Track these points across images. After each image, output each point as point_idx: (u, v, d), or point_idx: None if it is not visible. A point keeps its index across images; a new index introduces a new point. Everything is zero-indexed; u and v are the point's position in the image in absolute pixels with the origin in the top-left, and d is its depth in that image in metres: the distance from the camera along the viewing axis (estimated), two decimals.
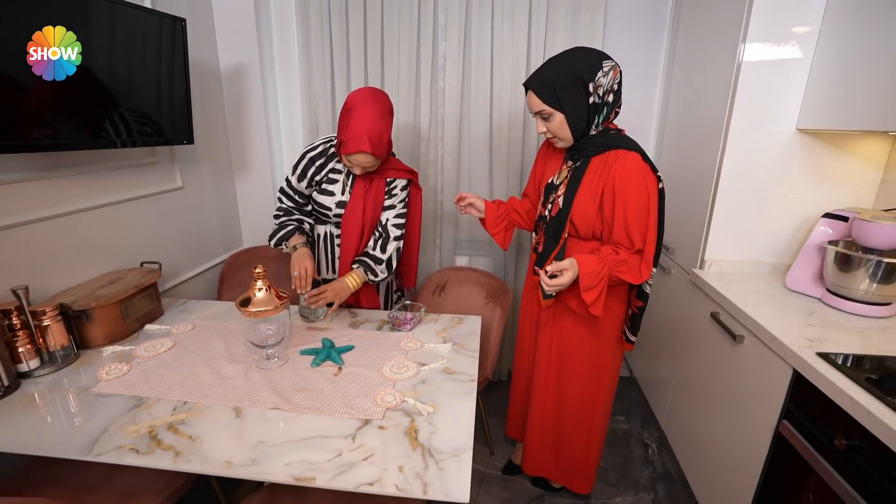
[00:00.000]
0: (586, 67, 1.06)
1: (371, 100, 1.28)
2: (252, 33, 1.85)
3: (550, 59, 1.12)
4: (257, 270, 1.08)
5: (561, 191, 1.23)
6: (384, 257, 1.44)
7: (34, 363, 1.09)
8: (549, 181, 1.29)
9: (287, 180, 1.48)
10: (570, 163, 1.23)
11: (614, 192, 1.12)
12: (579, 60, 1.07)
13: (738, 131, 1.42)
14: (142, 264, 1.50)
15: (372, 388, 1.06)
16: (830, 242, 1.28)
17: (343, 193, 1.43)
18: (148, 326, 1.34)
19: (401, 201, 1.48)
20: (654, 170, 1.12)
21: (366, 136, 1.23)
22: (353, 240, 1.44)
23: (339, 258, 1.52)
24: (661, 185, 1.13)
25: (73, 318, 1.18)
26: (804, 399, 0.99)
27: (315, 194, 1.46)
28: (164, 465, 0.83)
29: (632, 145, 1.13)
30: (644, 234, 1.12)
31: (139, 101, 1.37)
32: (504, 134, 1.95)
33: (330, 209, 1.45)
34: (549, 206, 1.27)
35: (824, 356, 0.97)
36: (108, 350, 1.21)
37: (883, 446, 0.77)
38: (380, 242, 1.45)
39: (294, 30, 1.94)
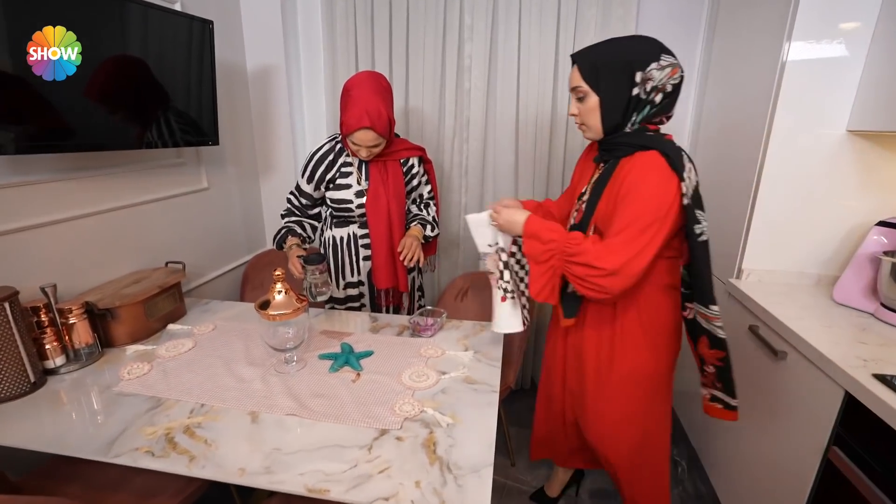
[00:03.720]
0: (641, 55, 0.92)
1: (367, 79, 1.33)
2: (279, 35, 1.86)
3: (609, 39, 1.00)
4: (277, 273, 1.07)
5: (586, 196, 1.07)
6: (429, 217, 1.59)
7: (60, 360, 1.10)
8: (583, 190, 1.12)
9: (297, 185, 1.50)
10: (599, 166, 1.09)
11: (618, 193, 0.95)
12: (636, 46, 0.95)
13: (782, 133, 1.33)
14: (166, 264, 1.51)
15: (390, 397, 1.03)
16: (886, 253, 1.18)
17: (360, 183, 1.44)
18: (170, 326, 1.35)
19: (423, 176, 1.56)
20: (680, 175, 0.90)
21: (364, 111, 1.27)
22: (381, 225, 1.45)
23: (363, 259, 1.52)
24: (684, 197, 0.90)
25: (99, 317, 1.19)
26: (858, 425, 0.91)
27: (330, 193, 1.46)
28: (178, 469, 0.82)
29: (667, 148, 0.93)
30: (635, 236, 0.90)
31: (171, 101, 1.38)
32: (530, 137, 1.90)
33: (350, 201, 1.44)
34: (575, 213, 1.11)
35: (881, 378, 0.88)
36: (131, 349, 1.22)
37: None
38: (422, 207, 1.62)
39: (320, 32, 1.94)
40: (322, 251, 1.60)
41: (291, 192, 1.53)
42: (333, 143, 1.46)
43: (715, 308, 0.98)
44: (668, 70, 0.92)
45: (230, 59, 1.79)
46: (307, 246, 1.53)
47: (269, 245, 2.15)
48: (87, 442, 0.88)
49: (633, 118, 0.97)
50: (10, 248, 1.11)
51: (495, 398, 1.04)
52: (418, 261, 1.44)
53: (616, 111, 0.96)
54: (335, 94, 1.96)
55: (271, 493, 1.09)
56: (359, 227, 1.51)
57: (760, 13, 1.44)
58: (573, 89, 1.01)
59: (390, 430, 0.92)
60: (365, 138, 1.31)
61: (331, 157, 1.44)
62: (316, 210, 1.56)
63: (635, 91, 0.93)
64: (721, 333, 0.99)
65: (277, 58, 1.89)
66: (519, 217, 1.05)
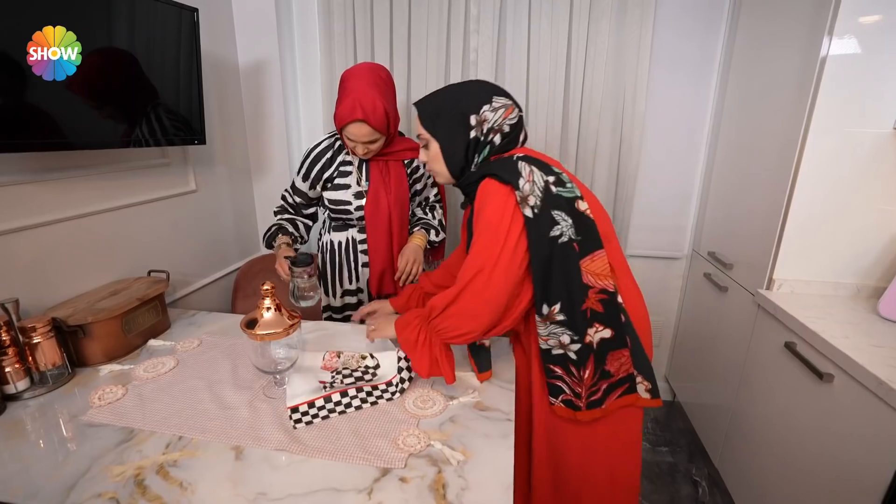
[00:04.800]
0: (473, 99, 0.94)
1: (364, 70, 1.23)
2: (272, 27, 1.75)
3: (445, 86, 1.01)
4: (265, 287, 0.95)
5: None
6: (434, 222, 1.48)
7: (23, 384, 0.98)
8: None
9: (292, 182, 1.40)
10: (467, 210, 1.05)
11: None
12: (468, 92, 0.96)
13: (820, 132, 1.22)
14: (149, 273, 1.40)
15: (392, 426, 0.91)
16: None
17: (359, 183, 1.34)
18: (151, 342, 1.23)
19: (429, 178, 1.47)
20: (514, 184, 0.86)
21: (357, 103, 1.16)
22: (381, 231, 1.34)
23: (363, 265, 1.42)
24: (523, 204, 0.85)
25: (69, 334, 1.07)
26: None
27: (328, 193, 1.35)
28: None
29: (497, 168, 0.90)
30: (483, 257, 0.87)
31: (159, 97, 1.28)
32: (540, 137, 1.79)
33: (349, 202, 1.34)
34: None
35: None
36: (106, 369, 1.10)
37: None
38: (427, 210, 1.51)
39: (316, 23, 1.83)
40: (318, 254, 1.49)
41: (286, 190, 1.43)
42: (333, 139, 1.35)
43: (543, 312, 0.91)
44: (501, 111, 0.93)
45: (220, 52, 1.68)
46: (298, 246, 1.42)
47: (263, 250, 2.03)
48: (42, 485, 0.76)
49: (476, 159, 0.96)
50: None
51: (510, 428, 0.92)
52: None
53: (457, 155, 0.96)
54: (332, 89, 1.84)
55: None
56: (358, 231, 1.41)
57: (792, 6, 1.33)
58: (417, 137, 1.02)
59: (393, 468, 0.81)
60: (358, 133, 1.20)
61: (329, 155, 1.33)
62: (311, 210, 1.46)
63: (472, 134, 0.94)
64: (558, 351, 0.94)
65: (271, 51, 1.78)
66: (389, 329, 1.03)
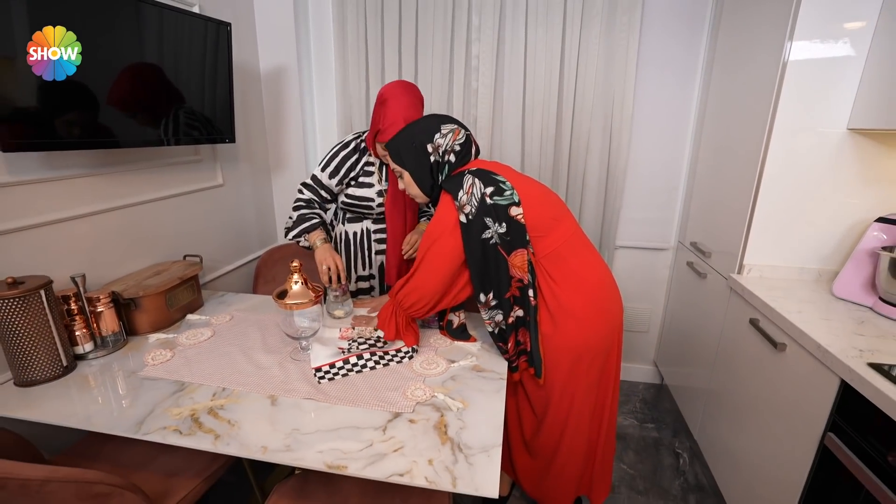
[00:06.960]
0: (426, 132, 1.16)
1: (405, 91, 1.35)
2: (291, 36, 1.91)
3: (405, 126, 1.22)
4: (294, 264, 1.11)
5: None
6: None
7: (88, 346, 1.16)
8: None
9: (313, 176, 1.47)
10: None
11: None
12: (422, 126, 1.17)
13: (783, 131, 1.36)
14: (184, 257, 1.57)
15: (402, 383, 1.07)
16: (885, 248, 1.21)
17: (381, 182, 1.48)
18: (189, 316, 1.40)
19: None
20: (454, 196, 1.09)
21: (403, 122, 1.28)
22: (398, 225, 1.48)
23: (376, 253, 1.57)
24: (460, 212, 1.08)
25: (123, 306, 1.24)
26: (853, 412, 0.94)
27: (351, 189, 1.49)
28: (205, 446, 0.87)
29: (448, 183, 1.13)
30: (425, 246, 1.14)
31: (188, 101, 1.44)
32: (536, 136, 1.94)
33: (372, 200, 1.48)
34: None
35: (877, 367, 0.92)
36: (154, 337, 1.27)
37: None
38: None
39: (331, 32, 1.99)
40: (335, 246, 1.64)
41: (308, 186, 1.48)
42: (359, 141, 1.48)
43: (481, 300, 1.14)
44: (449, 136, 1.15)
45: (244, 59, 1.84)
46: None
47: (281, 240, 2.20)
48: (116, 421, 0.93)
49: (440, 178, 1.18)
50: (45, 239, 1.17)
51: (503, 385, 1.08)
52: None
53: (425, 177, 1.18)
54: (345, 92, 2.01)
55: (287, 476, 1.14)
56: (372, 222, 1.55)
57: (763, 12, 1.47)
58: (393, 171, 1.25)
59: (403, 413, 0.97)
60: None
61: (355, 156, 1.46)
62: (332, 205, 1.57)
63: (432, 158, 1.15)
64: (489, 328, 1.18)
65: (289, 58, 1.94)
66: (374, 322, 1.31)
